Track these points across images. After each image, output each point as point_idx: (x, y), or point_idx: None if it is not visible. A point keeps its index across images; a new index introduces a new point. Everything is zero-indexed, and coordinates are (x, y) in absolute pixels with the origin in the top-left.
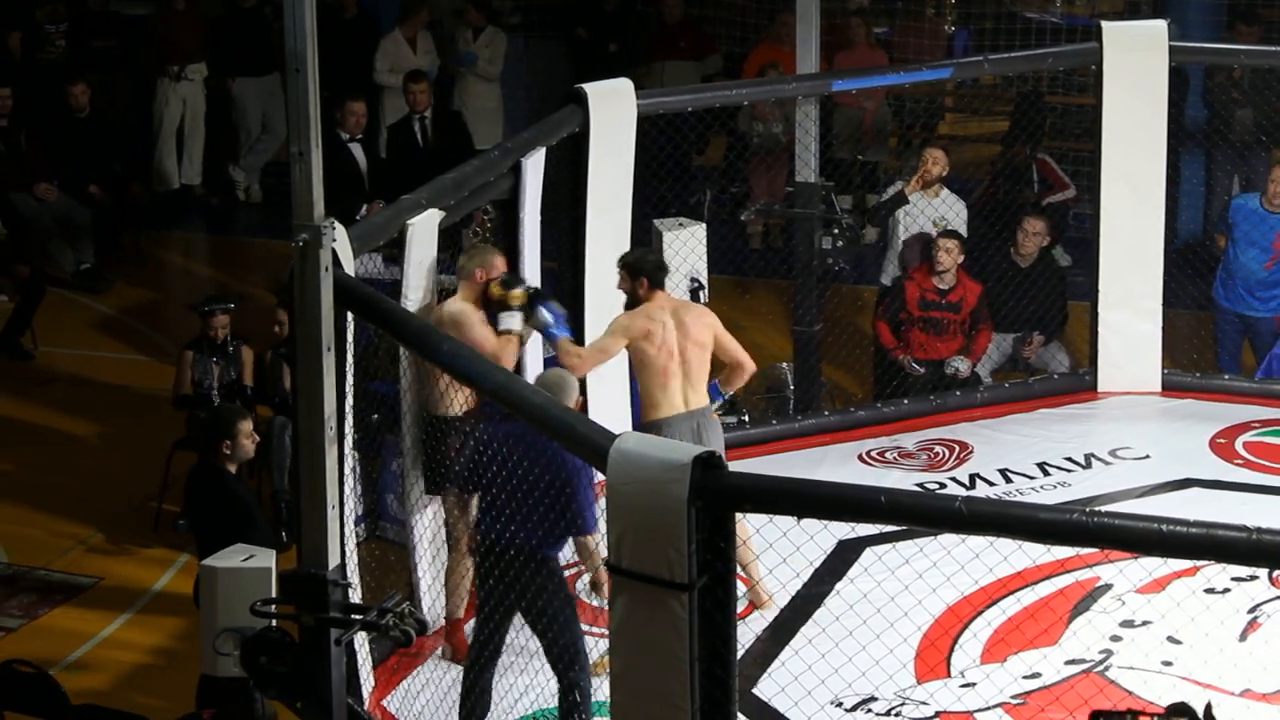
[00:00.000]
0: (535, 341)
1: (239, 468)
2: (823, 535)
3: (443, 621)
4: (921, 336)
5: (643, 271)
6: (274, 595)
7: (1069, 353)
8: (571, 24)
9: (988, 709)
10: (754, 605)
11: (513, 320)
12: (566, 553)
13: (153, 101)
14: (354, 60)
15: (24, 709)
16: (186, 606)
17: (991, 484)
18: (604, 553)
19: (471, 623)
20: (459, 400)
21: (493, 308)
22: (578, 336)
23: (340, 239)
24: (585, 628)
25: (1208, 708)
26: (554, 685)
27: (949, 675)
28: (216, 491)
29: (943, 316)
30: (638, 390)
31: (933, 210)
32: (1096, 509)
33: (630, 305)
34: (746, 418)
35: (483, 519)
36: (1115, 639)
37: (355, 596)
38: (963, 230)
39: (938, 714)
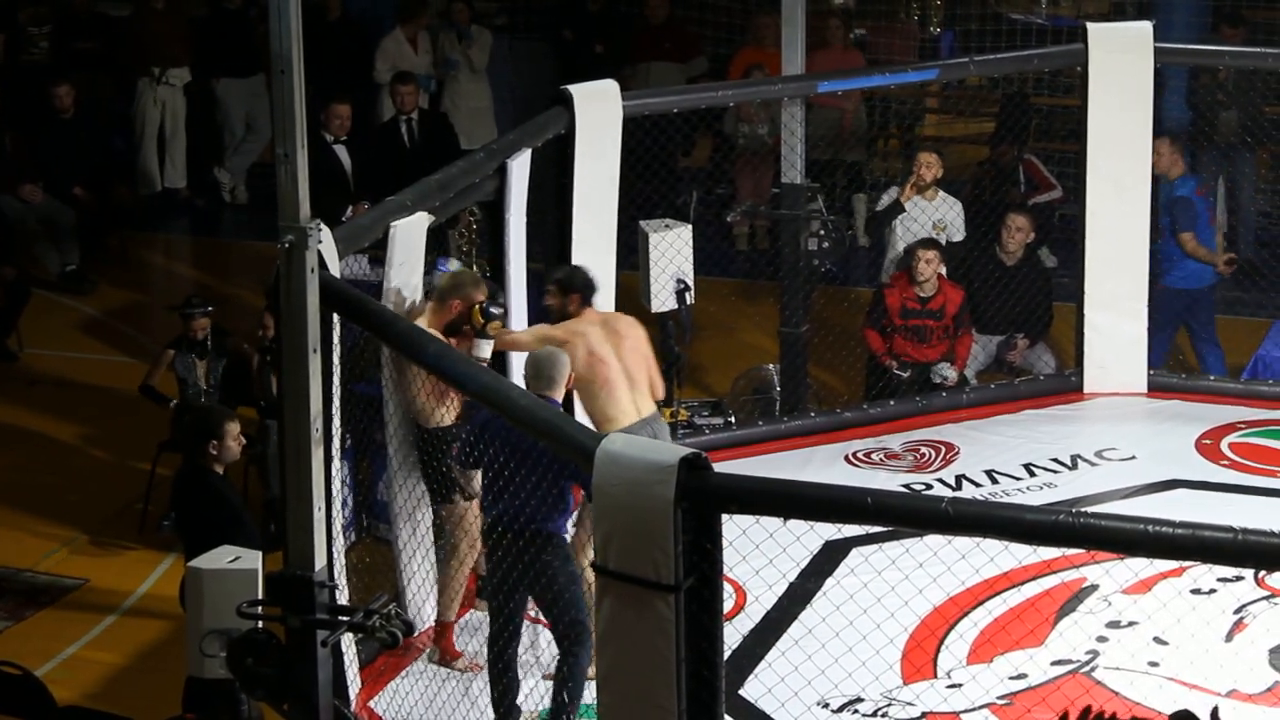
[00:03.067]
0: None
1: (226, 469)
2: (809, 536)
3: (431, 623)
4: (906, 344)
5: (574, 288)
6: (260, 597)
7: (1055, 354)
8: (557, 25)
9: (974, 710)
10: None
11: (485, 349)
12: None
13: (133, 104)
14: (338, 62)
15: (9, 711)
16: (173, 608)
17: (978, 485)
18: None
19: (459, 624)
20: (443, 412)
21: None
22: None
23: (326, 240)
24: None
25: (1214, 712)
26: (544, 684)
27: (935, 676)
28: (203, 493)
29: (924, 324)
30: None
31: (933, 211)
32: (1082, 510)
33: (557, 322)
34: (733, 419)
35: (485, 496)
36: (1101, 640)
37: (343, 598)
38: (961, 231)
39: (924, 715)
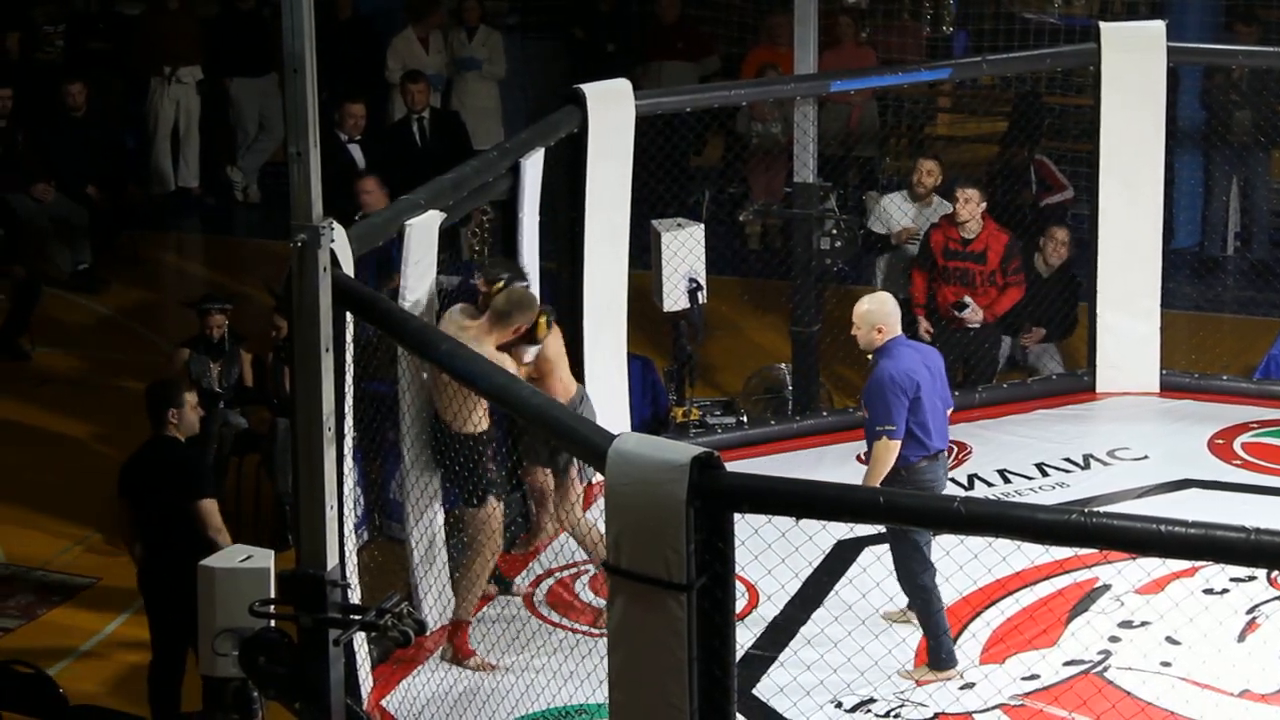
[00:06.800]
0: None
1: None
2: (821, 536)
3: (443, 622)
4: (951, 292)
5: (521, 278)
6: (273, 595)
7: (1060, 360)
8: (569, 24)
9: (986, 710)
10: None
11: (531, 353)
12: None
13: (145, 103)
14: (352, 62)
15: (22, 709)
16: None
17: (990, 485)
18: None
19: (474, 625)
20: (479, 417)
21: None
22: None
23: (339, 239)
24: (585, 628)
25: None
26: (555, 682)
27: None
28: (169, 456)
29: (968, 267)
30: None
31: (931, 215)
32: (1095, 510)
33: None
34: (745, 418)
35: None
36: (1114, 640)
37: (355, 597)
38: None
39: (937, 715)
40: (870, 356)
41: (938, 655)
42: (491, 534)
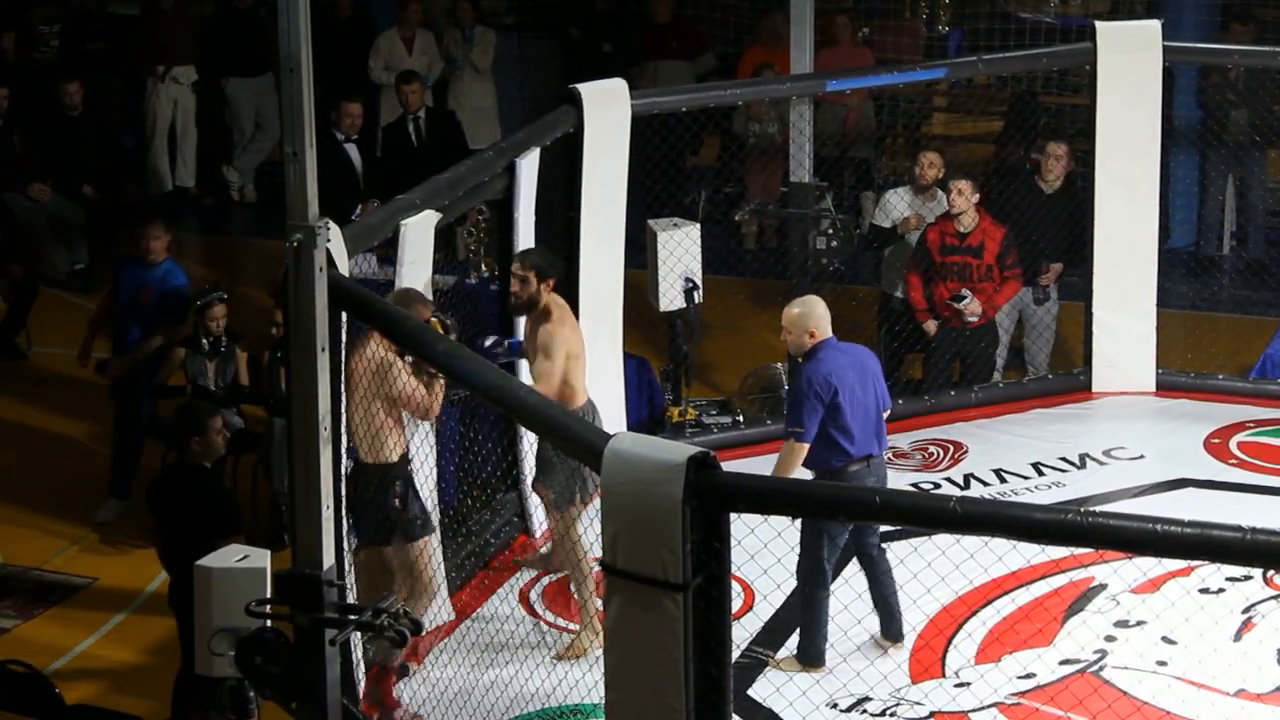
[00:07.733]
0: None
1: (213, 463)
2: None
3: (439, 621)
4: (947, 289)
5: (554, 272)
6: (269, 595)
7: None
8: (565, 23)
9: (982, 709)
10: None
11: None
12: None
13: (142, 102)
14: (349, 61)
15: (18, 710)
16: None
17: (986, 484)
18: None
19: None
20: (392, 445)
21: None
22: None
23: (335, 239)
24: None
25: None
26: (550, 682)
27: (944, 675)
28: (195, 488)
29: (964, 261)
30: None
31: (929, 213)
32: (1091, 509)
33: (526, 306)
34: (741, 418)
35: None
36: (1110, 639)
37: (350, 597)
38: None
39: (932, 714)
40: (800, 360)
41: (808, 651)
42: (428, 575)
